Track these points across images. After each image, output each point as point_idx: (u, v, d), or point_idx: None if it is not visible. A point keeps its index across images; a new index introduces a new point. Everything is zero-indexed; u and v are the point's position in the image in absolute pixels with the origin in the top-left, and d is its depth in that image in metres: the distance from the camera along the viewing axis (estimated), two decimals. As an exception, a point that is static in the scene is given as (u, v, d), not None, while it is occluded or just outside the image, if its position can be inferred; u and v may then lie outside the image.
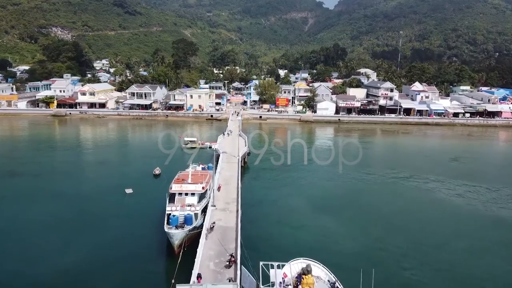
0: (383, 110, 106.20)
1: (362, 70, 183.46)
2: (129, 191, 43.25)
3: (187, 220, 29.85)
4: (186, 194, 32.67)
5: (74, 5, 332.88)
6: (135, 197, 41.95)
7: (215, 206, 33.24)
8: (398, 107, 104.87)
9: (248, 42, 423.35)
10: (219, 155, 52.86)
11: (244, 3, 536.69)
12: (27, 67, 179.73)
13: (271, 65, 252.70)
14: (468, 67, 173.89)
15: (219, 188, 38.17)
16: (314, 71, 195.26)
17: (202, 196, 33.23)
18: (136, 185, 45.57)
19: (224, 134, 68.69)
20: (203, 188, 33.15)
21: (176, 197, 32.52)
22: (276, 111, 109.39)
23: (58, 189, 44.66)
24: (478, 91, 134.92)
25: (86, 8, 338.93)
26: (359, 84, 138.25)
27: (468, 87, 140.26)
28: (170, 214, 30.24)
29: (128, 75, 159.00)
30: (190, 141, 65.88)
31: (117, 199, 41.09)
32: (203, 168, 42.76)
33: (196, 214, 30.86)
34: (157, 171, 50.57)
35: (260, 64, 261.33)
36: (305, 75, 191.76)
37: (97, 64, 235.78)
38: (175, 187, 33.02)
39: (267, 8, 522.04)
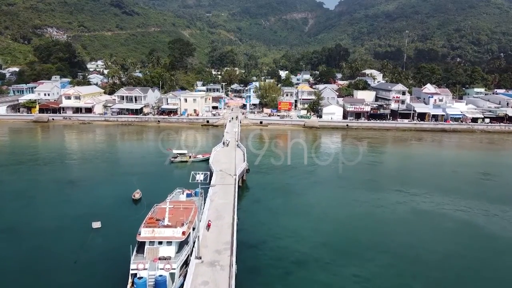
0: (394, 114, 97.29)
1: (367, 71, 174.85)
2: (96, 225, 34.34)
3: (159, 285, 21.02)
4: (160, 242, 23.79)
5: (70, 5, 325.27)
6: (102, 234, 33.08)
7: (200, 258, 24.33)
8: (412, 112, 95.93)
9: (248, 43, 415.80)
10: (212, 173, 44.14)
11: (244, 4, 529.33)
12: (17, 69, 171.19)
13: (271, 66, 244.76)
14: (472, 67, 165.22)
15: (208, 226, 29.30)
16: (316, 72, 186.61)
17: (182, 245, 24.44)
18: (108, 214, 36.86)
19: (224, 143, 60.11)
20: (183, 233, 24.27)
21: (147, 247, 23.69)
22: (278, 115, 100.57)
23: (8, 220, 35.84)
24: (493, 93, 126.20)
25: (83, 8, 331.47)
26: (365, 86, 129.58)
27: (482, 89, 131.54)
28: (135, 274, 21.39)
29: (122, 76, 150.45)
30: (180, 154, 56.98)
31: (78, 238, 32.16)
32: (188, 196, 33.96)
33: (172, 275, 22.05)
34: (137, 194, 41.69)
35: (260, 65, 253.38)
36: (307, 76, 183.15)
37: (92, 65, 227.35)
38: (145, 233, 24.10)
39: (266, 9, 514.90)
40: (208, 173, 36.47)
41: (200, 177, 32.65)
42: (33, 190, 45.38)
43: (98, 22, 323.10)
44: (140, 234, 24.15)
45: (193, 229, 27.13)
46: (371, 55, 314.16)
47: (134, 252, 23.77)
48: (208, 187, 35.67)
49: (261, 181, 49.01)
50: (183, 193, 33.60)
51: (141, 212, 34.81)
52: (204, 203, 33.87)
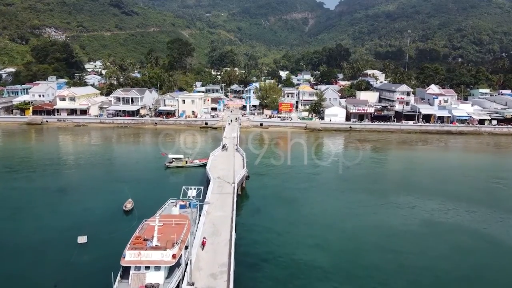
0: (399, 116, 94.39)
1: (369, 72, 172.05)
2: (82, 240, 31.51)
3: (145, 319, 18.22)
4: (148, 267, 20.96)
5: (69, 5, 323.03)
6: (88, 250, 30.21)
7: (193, 284, 21.46)
8: (417, 113, 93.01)
9: (248, 43, 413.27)
10: (209, 181, 41.36)
11: (244, 4, 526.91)
12: (14, 69, 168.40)
13: (271, 67, 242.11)
14: (476, 67, 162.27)
15: (203, 245, 26.44)
16: (317, 72, 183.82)
17: (173, 269, 21.60)
18: (97, 227, 34.13)
19: (222, 148, 57.35)
20: (174, 256, 21.42)
21: (132, 272, 20.86)
22: (278, 117, 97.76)
23: (-12, 235, 33.03)
24: (498, 94, 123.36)
25: (82, 8, 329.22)
26: (368, 87, 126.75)
27: (487, 90, 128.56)
28: (118, 306, 18.59)
29: (120, 77, 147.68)
30: (176, 158, 54.12)
31: (61, 255, 29.30)
32: (182, 207, 31.12)
33: (160, 307, 19.21)
34: (128, 204, 38.85)
35: (260, 66, 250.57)
36: (308, 76, 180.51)
37: (90, 66, 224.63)
38: (130, 257, 21.24)
39: (266, 9, 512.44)
40: (202, 187, 33.42)
41: (192, 192, 29.85)
42: (18, 199, 42.56)
43: (97, 22, 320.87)
44: (124, 258, 21.30)
45: (186, 247, 24.35)
46: (371, 55, 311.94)
47: (118, 278, 20.97)
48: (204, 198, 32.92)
49: (262, 189, 46.16)
50: (176, 205, 30.70)
51: (132, 224, 32.18)
52: (200, 216, 31.03)
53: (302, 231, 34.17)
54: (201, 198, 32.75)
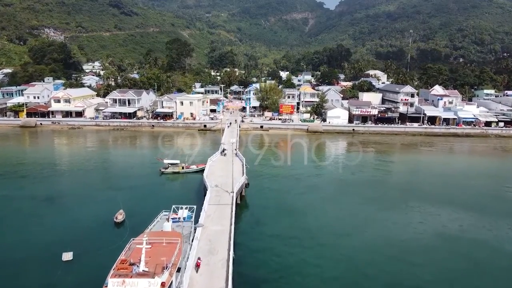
0: (403, 118, 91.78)
1: (371, 72, 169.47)
2: (67, 256, 28.93)
3: None
4: (133, 298, 18.39)
5: (68, 5, 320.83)
6: (72, 269, 27.63)
7: (185, 316, 18.89)
8: (422, 115, 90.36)
9: (248, 43, 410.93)
10: (206, 189, 38.77)
11: (244, 4, 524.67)
12: (10, 70, 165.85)
13: (271, 67, 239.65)
14: (479, 68, 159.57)
15: (197, 266, 23.83)
16: (318, 73, 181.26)
17: (161, 299, 18.97)
18: (84, 242, 31.65)
19: (221, 153, 54.81)
20: (163, 285, 18.81)
21: (115, 304, 18.27)
22: (279, 119, 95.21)
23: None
24: (504, 95, 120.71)
25: (81, 8, 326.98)
26: (370, 88, 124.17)
27: (492, 91, 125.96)
28: None
29: (119, 78, 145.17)
30: (171, 164, 51.52)
31: (42, 276, 26.74)
32: (175, 221, 28.52)
33: None
34: (120, 216, 36.26)
35: (260, 66, 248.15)
36: (308, 77, 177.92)
37: (88, 67, 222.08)
38: (112, 285, 18.66)
39: (266, 9, 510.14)
40: (194, 206, 30.57)
41: (183, 213, 27.23)
42: (4, 209, 39.97)
43: (96, 22, 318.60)
44: (106, 287, 18.75)
45: (179, 270, 21.78)
46: (372, 55, 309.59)
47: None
48: (201, 203, 30.30)
49: (262, 197, 43.58)
50: (168, 220, 28.07)
51: (122, 239, 29.55)
52: (195, 230, 28.43)
53: (306, 247, 31.50)
54: (193, 219, 30.04)
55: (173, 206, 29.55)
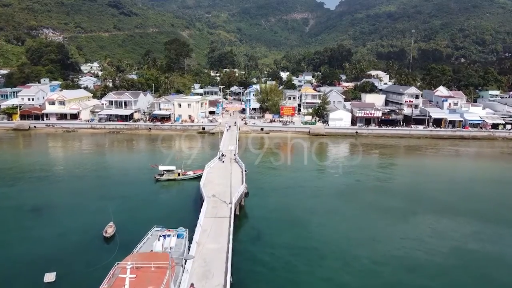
0: (407, 120, 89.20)
1: (373, 72, 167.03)
2: (49, 277, 26.32)
3: None
4: None
5: (67, 5, 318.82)
6: (54, 293, 25.13)
7: None
8: (427, 117, 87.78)
9: (248, 44, 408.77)
10: (202, 201, 36.19)
11: (244, 4, 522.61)
12: (7, 71, 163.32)
13: (272, 67, 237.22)
14: (483, 68, 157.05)
15: (190, 293, 21.28)
16: (319, 73, 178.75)
17: None
18: (69, 259, 29.13)
19: (219, 158, 52.24)
20: (148, 323, 16.28)
21: None
22: (280, 121, 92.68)
23: None
24: (509, 96, 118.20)
25: (80, 8, 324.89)
26: (372, 89, 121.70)
27: (497, 92, 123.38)
28: None
29: (117, 79, 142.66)
30: (167, 170, 48.93)
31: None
32: (165, 237, 25.87)
33: None
34: (110, 229, 33.65)
35: (261, 66, 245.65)
36: (309, 77, 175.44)
37: (86, 67, 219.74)
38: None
39: (266, 9, 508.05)
40: (184, 232, 27.41)
41: (170, 241, 24.54)
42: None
43: (95, 23, 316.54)
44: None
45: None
46: (373, 56, 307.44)
47: None
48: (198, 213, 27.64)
49: (263, 207, 40.96)
50: (159, 239, 25.42)
51: (111, 256, 26.92)
52: (189, 249, 25.86)
53: (311, 264, 28.90)
54: (186, 234, 27.40)
55: (159, 234, 26.38)
